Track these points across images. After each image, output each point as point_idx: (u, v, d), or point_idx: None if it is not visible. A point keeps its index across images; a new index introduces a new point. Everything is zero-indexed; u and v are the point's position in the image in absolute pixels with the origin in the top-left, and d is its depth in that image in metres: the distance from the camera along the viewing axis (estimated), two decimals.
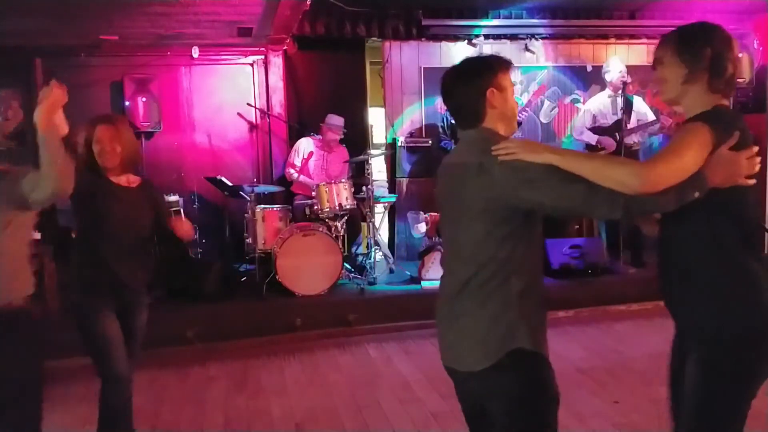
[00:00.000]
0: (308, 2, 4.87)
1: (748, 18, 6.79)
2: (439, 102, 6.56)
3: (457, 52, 6.65)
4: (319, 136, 5.97)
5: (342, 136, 5.93)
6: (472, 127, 1.83)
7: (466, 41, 6.64)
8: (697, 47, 1.72)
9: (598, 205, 1.61)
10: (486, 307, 1.73)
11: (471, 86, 1.80)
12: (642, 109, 5.64)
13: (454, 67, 1.87)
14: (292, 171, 5.94)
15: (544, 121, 6.90)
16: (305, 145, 5.99)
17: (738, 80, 6.02)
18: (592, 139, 5.72)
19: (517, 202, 1.67)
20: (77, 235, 2.83)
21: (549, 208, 1.68)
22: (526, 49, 6.72)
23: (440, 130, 5.78)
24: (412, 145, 6.53)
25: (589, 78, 6.89)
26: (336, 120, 5.89)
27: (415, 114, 6.66)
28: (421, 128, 6.65)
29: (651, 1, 6.59)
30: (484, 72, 1.80)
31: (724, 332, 1.71)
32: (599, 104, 5.75)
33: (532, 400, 1.75)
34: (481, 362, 1.73)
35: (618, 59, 5.75)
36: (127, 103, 6.04)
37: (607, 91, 5.68)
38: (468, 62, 1.89)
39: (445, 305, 1.88)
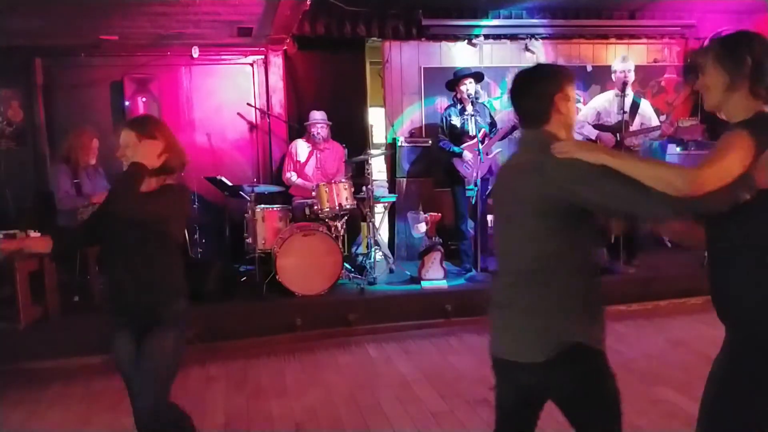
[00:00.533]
0: (308, 2, 4.87)
1: (748, 18, 6.79)
2: (439, 102, 6.57)
3: (457, 52, 6.66)
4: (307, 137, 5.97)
5: (326, 128, 5.89)
6: (536, 128, 1.93)
7: (466, 41, 6.65)
8: (738, 55, 1.78)
9: (648, 205, 1.67)
10: (540, 301, 1.81)
11: (543, 89, 1.90)
12: (647, 113, 5.61)
13: (528, 70, 1.99)
14: (288, 175, 5.94)
15: None
16: (299, 146, 5.99)
17: None
18: (591, 133, 5.73)
19: (571, 199, 1.75)
20: None
21: (600, 207, 1.76)
22: (526, 49, 6.73)
23: (439, 130, 5.78)
24: (412, 145, 6.53)
25: (589, 78, 6.90)
26: (316, 114, 5.90)
27: (415, 114, 6.67)
28: (421, 128, 6.65)
29: (651, 1, 6.60)
30: (557, 78, 1.91)
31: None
32: (605, 101, 5.75)
33: (592, 390, 1.85)
34: (537, 355, 1.80)
35: (623, 58, 5.75)
36: (127, 103, 6.04)
37: (615, 90, 5.68)
38: (542, 67, 2.06)
39: (499, 298, 1.95)
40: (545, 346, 1.79)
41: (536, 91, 1.91)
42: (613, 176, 1.68)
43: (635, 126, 5.53)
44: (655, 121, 5.57)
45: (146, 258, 2.42)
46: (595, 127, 5.68)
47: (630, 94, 5.59)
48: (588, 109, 5.89)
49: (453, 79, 5.69)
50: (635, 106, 5.57)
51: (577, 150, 1.75)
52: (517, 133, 5.87)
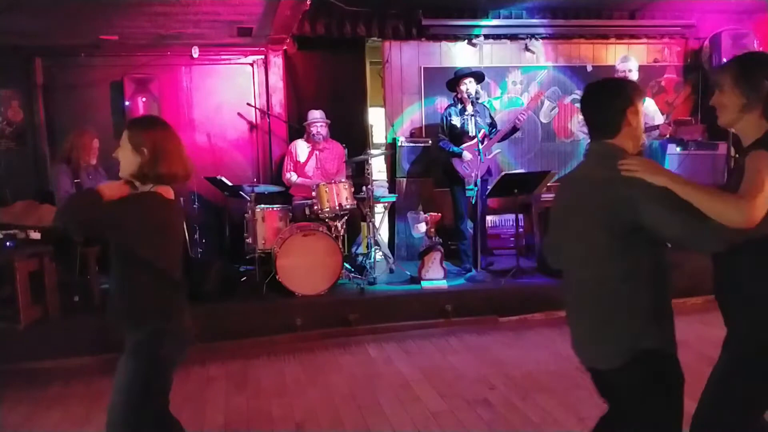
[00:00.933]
0: (308, 2, 4.87)
1: (748, 18, 6.79)
2: (439, 102, 6.57)
3: (457, 52, 6.66)
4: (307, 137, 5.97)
5: (325, 127, 5.88)
6: (604, 140, 2.01)
7: (466, 41, 6.65)
8: (756, 80, 1.87)
9: (700, 239, 1.80)
10: (611, 311, 1.91)
11: (615, 103, 1.98)
12: (650, 111, 5.62)
13: (600, 82, 2.09)
14: (288, 175, 5.94)
15: (544, 121, 6.90)
16: (299, 147, 5.99)
17: None
18: None
19: (635, 217, 1.82)
20: None
21: (655, 230, 1.83)
22: (526, 49, 6.73)
23: (439, 130, 5.78)
24: (412, 144, 6.53)
25: (589, 78, 6.86)
26: (315, 113, 5.90)
27: (415, 114, 6.67)
28: (421, 128, 6.65)
29: (651, 1, 6.59)
30: (627, 93, 1.99)
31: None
32: None
33: (658, 396, 1.91)
34: (610, 362, 1.94)
35: (624, 57, 5.75)
36: (127, 103, 6.04)
37: None
38: (613, 81, 2.16)
39: (573, 306, 2.08)
40: (617, 354, 1.90)
41: (608, 105, 1.99)
42: (672, 202, 1.76)
43: None
44: (658, 120, 5.58)
45: (115, 275, 2.24)
46: None
47: None
48: None
49: (453, 79, 5.69)
50: None
51: (642, 170, 1.81)
52: (517, 133, 5.89)
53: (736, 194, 1.74)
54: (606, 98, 2.02)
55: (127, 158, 2.25)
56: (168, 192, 2.29)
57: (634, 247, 1.87)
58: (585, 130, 6.00)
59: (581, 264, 2.01)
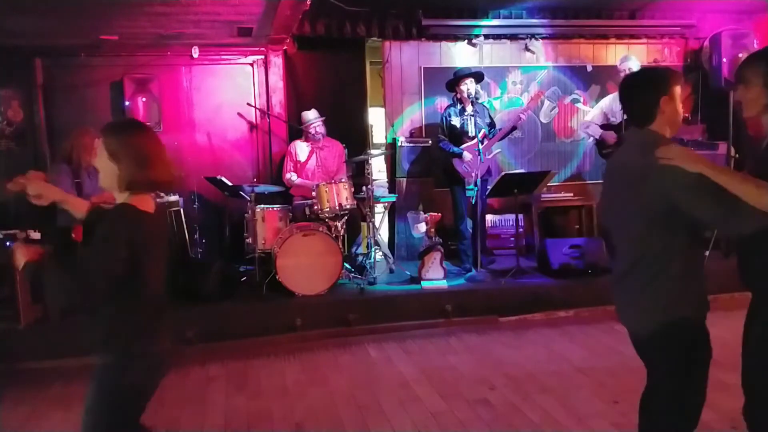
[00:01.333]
0: (308, 2, 4.86)
1: (748, 18, 6.79)
2: (439, 102, 6.57)
3: (457, 52, 6.66)
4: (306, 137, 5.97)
5: (322, 125, 5.88)
6: (642, 126, 2.15)
7: (466, 41, 6.64)
8: None
9: (733, 222, 1.92)
10: (649, 286, 2.10)
11: (649, 92, 2.12)
12: None
13: (635, 73, 2.28)
14: (289, 176, 5.94)
15: (544, 121, 6.90)
16: (298, 147, 5.99)
17: None
18: (596, 133, 5.78)
19: (671, 202, 1.97)
20: None
21: (691, 215, 1.97)
22: (526, 49, 6.72)
23: (439, 130, 5.78)
24: (412, 145, 6.53)
25: (589, 78, 6.90)
26: (309, 115, 5.90)
27: (415, 114, 6.66)
28: (421, 128, 6.65)
29: (651, 1, 6.59)
30: (661, 81, 2.13)
31: None
32: (611, 102, 5.80)
33: (685, 364, 2.10)
34: (644, 327, 2.16)
35: (624, 57, 5.76)
36: (127, 103, 6.04)
37: None
38: (647, 71, 2.37)
39: (618, 281, 2.25)
40: (651, 320, 2.11)
41: (642, 94, 2.14)
42: (707, 188, 1.89)
43: None
44: None
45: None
46: (602, 126, 5.73)
47: None
48: (596, 110, 5.98)
49: (453, 79, 5.69)
50: None
51: (678, 158, 1.92)
52: (517, 133, 5.89)
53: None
54: (640, 88, 2.18)
55: (105, 167, 2.06)
56: (145, 202, 2.07)
57: (668, 228, 2.03)
58: (589, 130, 6.06)
59: (623, 241, 2.19)
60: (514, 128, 5.64)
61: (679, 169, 1.91)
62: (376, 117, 7.36)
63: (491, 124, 5.72)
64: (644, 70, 2.30)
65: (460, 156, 5.54)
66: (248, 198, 5.36)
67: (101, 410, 2.04)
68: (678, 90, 2.12)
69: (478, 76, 5.75)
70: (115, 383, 2.05)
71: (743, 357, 2.22)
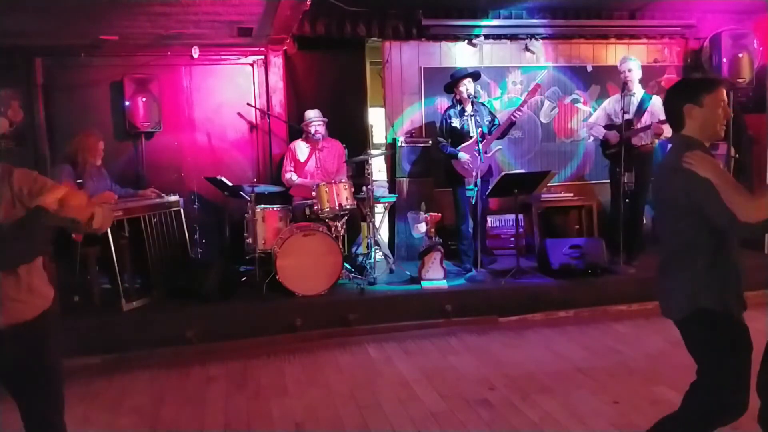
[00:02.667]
0: (308, 2, 4.86)
1: (748, 18, 6.79)
2: (439, 102, 6.57)
3: (457, 52, 6.66)
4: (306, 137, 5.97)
5: (323, 125, 5.88)
6: (676, 131, 2.39)
7: (466, 41, 6.64)
8: None
9: (725, 221, 2.11)
10: (681, 275, 2.32)
11: (673, 99, 2.37)
12: (657, 109, 5.61)
13: (673, 84, 2.48)
14: (288, 176, 5.93)
15: (544, 121, 6.90)
16: (298, 147, 5.98)
17: (738, 80, 6.07)
18: (599, 133, 5.79)
19: (689, 201, 2.20)
20: None
21: (702, 211, 2.18)
22: (526, 49, 6.72)
23: (438, 132, 5.78)
24: (412, 145, 6.53)
25: (589, 78, 6.90)
26: (311, 113, 5.89)
27: (415, 114, 6.66)
28: (421, 128, 6.65)
29: (651, 1, 6.59)
30: (688, 90, 2.34)
31: None
32: (613, 103, 5.81)
33: (716, 352, 2.27)
34: (676, 315, 2.36)
35: (623, 58, 5.75)
36: (127, 103, 6.03)
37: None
38: (684, 80, 2.64)
39: (658, 273, 2.46)
40: (681, 309, 2.31)
41: (669, 102, 2.39)
42: (713, 191, 2.11)
43: (643, 124, 5.55)
44: (663, 117, 5.58)
45: None
46: (606, 127, 5.73)
47: (638, 92, 5.61)
48: (599, 111, 5.99)
49: (450, 82, 5.69)
50: (643, 105, 5.58)
51: (696, 163, 2.16)
52: (517, 133, 5.88)
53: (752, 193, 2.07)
54: (668, 96, 2.41)
55: None
56: None
57: (693, 224, 2.23)
58: (593, 131, 6.11)
59: (663, 236, 2.45)
60: (512, 124, 5.64)
61: (696, 173, 2.14)
62: (376, 117, 7.36)
63: (492, 122, 5.72)
64: (682, 79, 2.53)
65: (456, 157, 5.55)
66: (248, 198, 5.36)
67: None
68: (712, 98, 2.27)
69: (475, 76, 5.75)
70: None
71: (763, 359, 2.35)
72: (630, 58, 5.68)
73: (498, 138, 5.66)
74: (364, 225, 6.14)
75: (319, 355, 4.54)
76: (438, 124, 6.13)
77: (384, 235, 6.51)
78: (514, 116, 5.57)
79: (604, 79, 6.82)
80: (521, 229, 6.06)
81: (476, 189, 5.46)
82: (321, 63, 6.64)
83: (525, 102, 5.74)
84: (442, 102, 6.42)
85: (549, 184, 6.01)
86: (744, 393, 2.23)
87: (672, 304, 2.37)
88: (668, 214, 2.35)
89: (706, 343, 2.30)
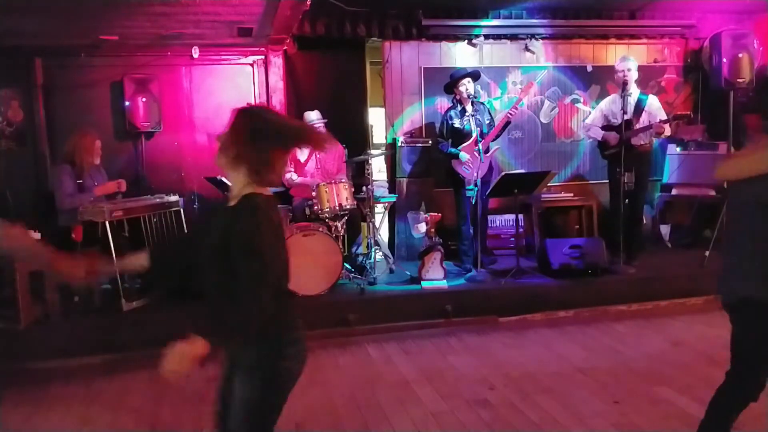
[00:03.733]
0: (308, 2, 4.87)
1: (748, 18, 6.79)
2: (439, 102, 6.57)
3: (457, 52, 6.66)
4: None
5: (323, 127, 5.87)
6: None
7: (466, 41, 6.64)
8: None
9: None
10: (731, 261, 2.49)
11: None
12: (654, 109, 5.61)
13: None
14: (288, 176, 5.93)
15: (544, 121, 6.90)
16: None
17: (738, 80, 6.11)
18: (598, 134, 5.79)
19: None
20: None
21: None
22: (526, 49, 6.72)
23: (438, 132, 5.78)
24: (412, 145, 6.53)
25: (589, 78, 6.90)
26: (311, 115, 5.89)
27: (415, 114, 6.66)
28: (421, 128, 6.65)
29: (651, 1, 6.59)
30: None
31: None
32: (610, 103, 5.80)
33: (752, 336, 2.40)
34: (726, 299, 2.49)
35: (622, 57, 5.75)
36: (127, 103, 6.04)
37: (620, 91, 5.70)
38: None
39: (723, 255, 2.62)
40: (730, 294, 2.46)
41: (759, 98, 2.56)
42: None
43: (641, 124, 5.55)
44: (662, 117, 5.58)
45: None
46: (604, 128, 5.73)
47: (635, 92, 5.61)
48: (596, 112, 5.98)
49: (450, 82, 5.69)
50: (641, 104, 5.58)
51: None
52: (517, 133, 5.87)
53: None
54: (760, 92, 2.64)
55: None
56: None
57: (750, 214, 2.35)
58: (590, 133, 6.12)
59: (731, 227, 2.58)
60: (508, 122, 5.65)
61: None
62: (376, 117, 7.36)
63: (491, 123, 5.72)
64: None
65: (458, 157, 5.55)
66: None
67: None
68: None
69: (475, 76, 5.75)
70: (272, 369, 2.19)
71: None
72: (629, 58, 5.68)
73: (495, 137, 5.65)
74: (364, 225, 6.14)
75: (319, 355, 4.53)
76: (438, 125, 6.13)
77: (384, 235, 6.51)
78: (510, 114, 5.57)
79: (604, 79, 6.82)
80: (521, 229, 6.06)
81: (476, 189, 5.46)
82: (321, 63, 6.64)
83: (519, 100, 5.74)
84: (442, 102, 6.42)
85: (549, 184, 6.01)
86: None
87: (725, 290, 2.50)
88: (732, 205, 2.51)
89: (750, 332, 2.40)
